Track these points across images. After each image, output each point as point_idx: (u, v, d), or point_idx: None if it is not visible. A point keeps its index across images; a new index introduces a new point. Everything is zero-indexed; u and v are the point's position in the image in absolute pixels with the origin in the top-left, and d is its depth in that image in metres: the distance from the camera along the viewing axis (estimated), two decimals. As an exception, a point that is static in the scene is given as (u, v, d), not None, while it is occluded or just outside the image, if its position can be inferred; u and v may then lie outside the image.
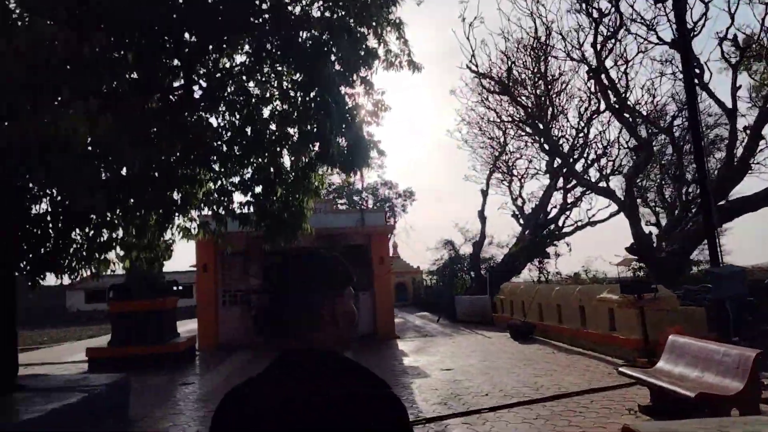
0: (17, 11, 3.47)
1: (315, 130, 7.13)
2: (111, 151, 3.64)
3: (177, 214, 8.60)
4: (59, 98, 3.22)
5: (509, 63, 16.31)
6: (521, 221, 22.60)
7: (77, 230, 7.97)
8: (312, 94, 7.02)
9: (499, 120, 20.35)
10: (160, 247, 9.18)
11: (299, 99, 7.36)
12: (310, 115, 7.06)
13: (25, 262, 7.65)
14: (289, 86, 7.56)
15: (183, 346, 11.58)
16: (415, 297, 34.48)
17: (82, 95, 3.67)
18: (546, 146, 15.72)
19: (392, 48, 7.37)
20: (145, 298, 11.47)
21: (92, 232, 8.00)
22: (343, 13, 7.13)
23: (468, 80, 25.85)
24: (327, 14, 7.21)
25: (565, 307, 12.51)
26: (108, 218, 7.77)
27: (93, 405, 5.05)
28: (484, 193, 21.60)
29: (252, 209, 8.67)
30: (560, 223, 21.13)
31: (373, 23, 7.09)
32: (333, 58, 7.02)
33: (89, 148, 3.64)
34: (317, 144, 7.37)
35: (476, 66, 17.35)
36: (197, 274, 14.63)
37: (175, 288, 12.57)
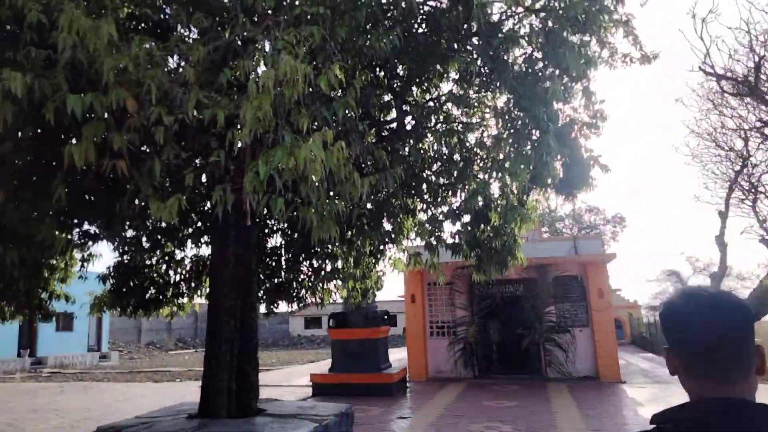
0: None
1: (530, 152, 6.60)
2: (343, 181, 3.63)
3: (390, 244, 8.78)
4: (298, 130, 3.28)
5: (757, 58, 13.68)
6: (776, 247, 18.59)
7: (306, 261, 8.61)
8: (523, 114, 6.54)
9: (739, 128, 17.21)
10: (374, 278, 9.47)
11: (512, 120, 6.94)
12: (524, 135, 6.55)
13: (262, 292, 8.47)
14: (501, 107, 7.20)
15: (397, 377, 11.73)
16: (634, 335, 30.77)
17: (318, 127, 3.76)
18: None
19: (619, 47, 6.56)
20: (362, 326, 11.97)
21: (319, 262, 8.57)
22: (558, 26, 6.57)
23: (696, 85, 22.27)
24: (539, 26, 6.72)
25: None
26: (332, 250, 8.23)
27: (324, 434, 5.11)
28: (723, 215, 18.33)
29: (462, 238, 8.45)
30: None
31: (595, 27, 6.40)
32: (548, 72, 6.49)
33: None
34: (531, 166, 6.83)
35: (711, 66, 15.00)
36: (406, 305, 14.93)
37: (386, 317, 12.91)
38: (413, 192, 7.64)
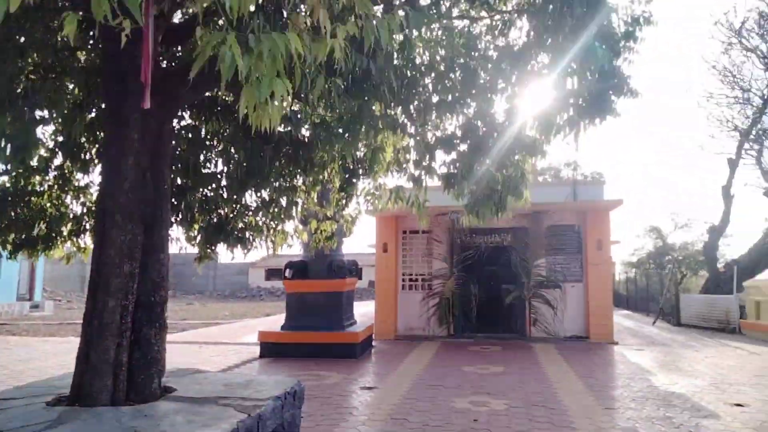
0: None
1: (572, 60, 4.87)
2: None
3: (365, 176, 7.15)
4: None
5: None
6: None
7: (254, 193, 6.83)
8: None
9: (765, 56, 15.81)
10: (346, 219, 7.87)
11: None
12: (562, 29, 4.74)
13: (196, 231, 6.72)
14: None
15: (362, 336, 10.30)
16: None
17: None
18: None
19: None
20: (325, 278, 10.41)
21: (271, 195, 6.82)
22: None
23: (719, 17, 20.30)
24: None
25: None
26: (287, 175, 6.51)
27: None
28: (733, 164, 17.20)
29: (457, 170, 6.86)
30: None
31: None
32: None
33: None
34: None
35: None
36: (376, 255, 13.40)
37: (354, 269, 11.39)
38: (399, 102, 5.90)
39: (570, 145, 12.20)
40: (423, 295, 13.16)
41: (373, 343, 11.81)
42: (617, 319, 18.29)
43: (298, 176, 6.74)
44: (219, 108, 5.84)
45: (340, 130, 5.27)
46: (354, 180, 7.20)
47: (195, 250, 6.97)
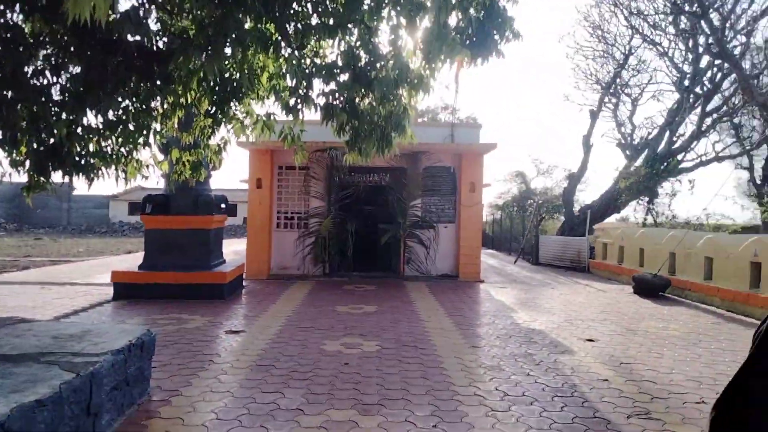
0: None
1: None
2: None
3: (234, 100, 6.45)
4: None
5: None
6: (627, 152, 19.39)
7: (96, 113, 5.82)
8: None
9: (630, 13, 16.72)
10: (212, 150, 7.14)
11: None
12: None
13: (24, 155, 5.65)
14: None
15: (231, 276, 9.73)
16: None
17: None
18: (714, 47, 12.05)
19: None
20: (190, 213, 9.58)
21: (117, 114, 5.86)
22: None
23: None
24: None
25: (721, 261, 9.87)
26: (140, 95, 5.60)
27: (77, 396, 3.00)
28: (594, 115, 18.38)
29: (337, 102, 6.41)
30: (680, 157, 17.81)
31: None
32: None
33: None
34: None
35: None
36: (249, 190, 12.64)
37: (224, 205, 10.63)
38: (274, 21, 5.23)
39: (450, 88, 11.99)
40: (299, 233, 12.77)
41: (244, 283, 11.29)
42: (483, 257, 19.37)
43: (156, 96, 5.85)
44: (44, 1, 4.77)
45: (201, 42, 4.52)
46: (223, 106, 6.48)
47: (23, 178, 5.91)
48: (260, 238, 12.46)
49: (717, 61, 14.90)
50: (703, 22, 12.10)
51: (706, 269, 10.37)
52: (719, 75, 15.06)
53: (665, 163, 16.91)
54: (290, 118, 6.41)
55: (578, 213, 19.23)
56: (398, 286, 11.58)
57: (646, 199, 17.78)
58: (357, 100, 6.68)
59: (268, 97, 6.52)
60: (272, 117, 6.54)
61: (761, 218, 18.98)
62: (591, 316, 8.50)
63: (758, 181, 25.36)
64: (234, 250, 20.98)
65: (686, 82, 17.05)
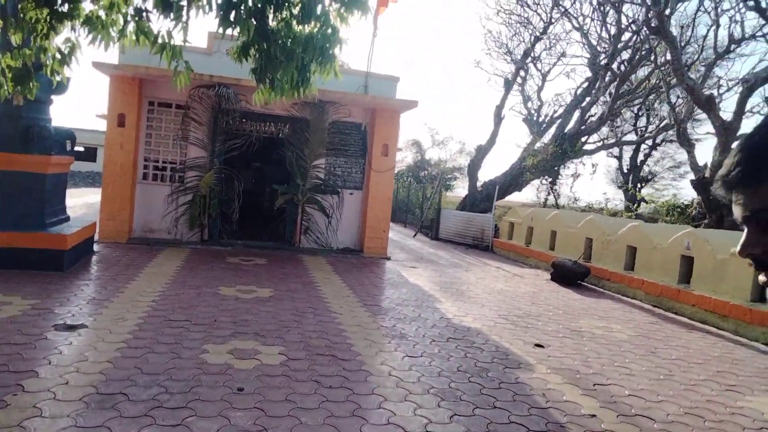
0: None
1: None
2: None
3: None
4: None
5: None
6: (533, 129, 19.02)
7: None
8: None
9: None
10: (52, 55, 4.96)
11: None
12: None
13: None
14: None
15: (74, 240, 7.39)
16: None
17: None
18: (654, 21, 11.16)
19: None
20: (16, 150, 7.04)
21: None
22: None
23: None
24: None
25: (645, 252, 9.36)
26: None
27: None
28: (508, 85, 17.57)
29: (239, 9, 4.63)
30: (583, 139, 17.70)
31: None
32: None
33: None
34: None
35: None
36: (108, 129, 10.04)
37: (69, 143, 8.13)
38: None
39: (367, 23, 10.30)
40: (172, 188, 10.46)
41: (95, 248, 8.91)
42: (380, 229, 18.09)
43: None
44: None
45: None
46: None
47: None
48: (120, 190, 9.98)
49: (637, 39, 14.66)
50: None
51: (628, 259, 9.87)
52: (638, 55, 14.86)
53: (573, 144, 16.63)
54: (170, 21, 4.46)
55: (480, 188, 18.57)
56: (294, 260, 9.85)
57: (549, 179, 17.52)
58: (269, 13, 4.89)
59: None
60: (145, 16, 4.51)
61: (625, 207, 19.36)
62: (524, 309, 7.46)
63: (625, 170, 26.82)
64: (87, 202, 17.74)
65: (603, 61, 16.80)
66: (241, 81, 9.75)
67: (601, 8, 16.79)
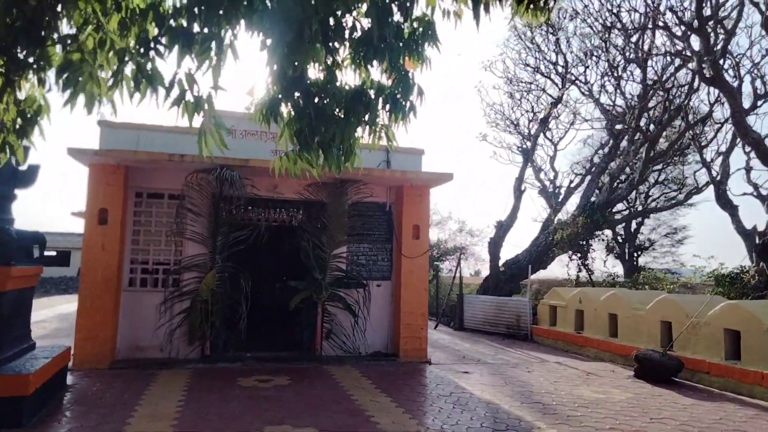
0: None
1: None
2: None
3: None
4: None
5: None
6: (552, 201, 17.79)
7: None
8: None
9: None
10: (7, 125, 3.29)
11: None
12: None
13: None
14: None
15: (39, 379, 5.52)
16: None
17: None
18: (708, 71, 9.94)
19: None
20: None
21: None
22: None
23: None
24: None
25: (754, 337, 7.69)
26: None
27: None
28: (527, 155, 16.47)
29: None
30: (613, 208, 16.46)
31: None
32: None
33: None
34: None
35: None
36: (87, 227, 8.38)
37: (37, 249, 6.45)
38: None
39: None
40: (165, 295, 8.69)
41: (69, 380, 7.00)
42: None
43: None
44: None
45: None
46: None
47: None
48: (101, 301, 8.16)
49: (667, 96, 13.74)
50: (694, 37, 10.50)
51: (728, 346, 8.17)
52: (666, 115, 13.91)
53: (604, 214, 15.33)
54: (192, 59, 3.05)
55: (503, 268, 17.00)
56: (322, 375, 7.97)
57: (579, 254, 16.05)
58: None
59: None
60: (153, 52, 3.07)
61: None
62: (641, 426, 5.64)
63: (619, 240, 25.35)
64: (60, 312, 15.68)
65: (619, 125, 15.87)
66: (249, 162, 8.33)
67: (614, 72, 16.10)
